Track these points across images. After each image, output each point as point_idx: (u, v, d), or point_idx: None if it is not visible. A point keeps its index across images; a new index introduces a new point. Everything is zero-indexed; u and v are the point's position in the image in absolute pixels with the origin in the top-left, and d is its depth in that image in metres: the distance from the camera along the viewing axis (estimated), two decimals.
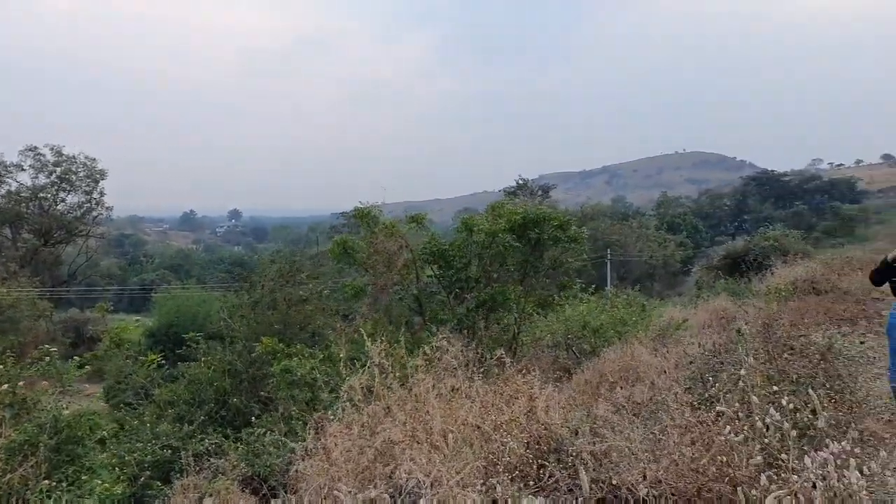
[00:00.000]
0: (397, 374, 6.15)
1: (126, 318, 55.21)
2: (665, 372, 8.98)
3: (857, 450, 3.86)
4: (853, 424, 4.96)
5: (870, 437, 5.59)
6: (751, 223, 74.43)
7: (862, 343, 10.41)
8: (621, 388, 9.05)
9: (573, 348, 14.37)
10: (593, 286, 19.83)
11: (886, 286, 7.21)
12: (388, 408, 5.73)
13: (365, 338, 6.38)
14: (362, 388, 5.97)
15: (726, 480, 4.33)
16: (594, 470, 4.66)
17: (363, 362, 6.22)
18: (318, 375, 9.72)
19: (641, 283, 48.21)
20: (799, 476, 3.77)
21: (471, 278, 13.85)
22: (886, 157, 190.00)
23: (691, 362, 8.67)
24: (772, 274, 19.08)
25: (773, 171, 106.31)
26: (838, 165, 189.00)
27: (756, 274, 22.16)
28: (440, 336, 6.40)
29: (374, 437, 5.27)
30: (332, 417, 5.92)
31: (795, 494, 3.81)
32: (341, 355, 7.06)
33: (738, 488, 3.92)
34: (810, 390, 4.84)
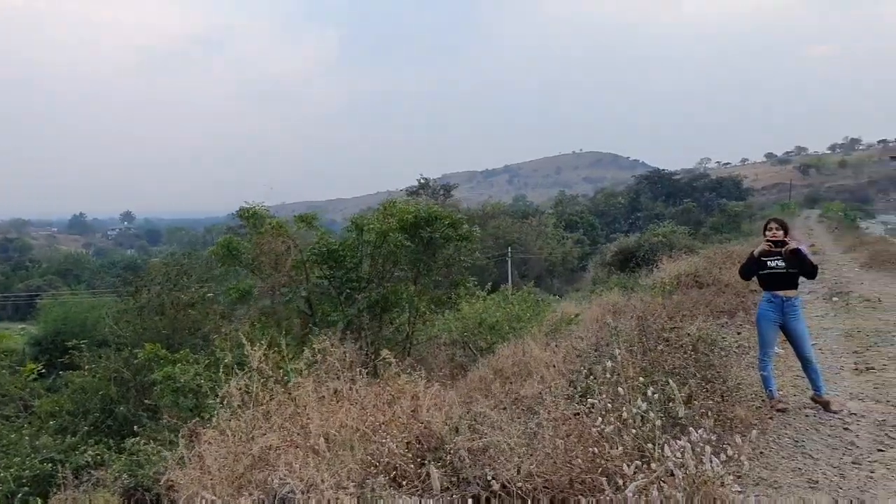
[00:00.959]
0: (279, 377, 6.02)
1: (10, 326, 52.45)
2: (554, 366, 9.15)
3: (713, 437, 4.01)
4: (710, 413, 5.16)
5: (738, 424, 5.83)
6: (644, 220, 76.95)
7: (739, 334, 10.90)
8: (512, 383, 9.16)
9: (470, 346, 14.49)
10: (489, 284, 20.09)
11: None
12: (267, 413, 5.59)
13: (245, 342, 6.22)
14: (241, 393, 5.81)
15: (599, 471, 4.43)
16: (470, 466, 4.67)
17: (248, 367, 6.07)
18: (203, 382, 9.44)
19: (542, 280, 49.17)
20: (658, 465, 3.89)
21: (362, 278, 13.67)
22: (769, 155, 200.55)
23: (578, 356, 8.86)
24: (658, 269, 19.75)
25: (664, 170, 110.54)
26: (725, 164, 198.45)
27: (645, 269, 22.91)
28: (322, 338, 6.31)
29: (251, 443, 5.14)
30: (209, 424, 5.74)
31: (659, 482, 3.93)
32: (226, 360, 6.85)
33: (604, 478, 4.00)
34: (670, 381, 5.01)
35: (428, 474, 4.73)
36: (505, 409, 6.80)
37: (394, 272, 14.38)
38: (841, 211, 70.53)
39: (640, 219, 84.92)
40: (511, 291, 23.34)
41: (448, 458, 4.87)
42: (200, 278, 23.46)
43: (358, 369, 6.38)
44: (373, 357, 7.07)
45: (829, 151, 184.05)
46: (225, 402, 5.82)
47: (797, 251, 7.21)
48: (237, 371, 6.06)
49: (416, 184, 69.36)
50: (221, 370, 6.36)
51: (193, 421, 5.94)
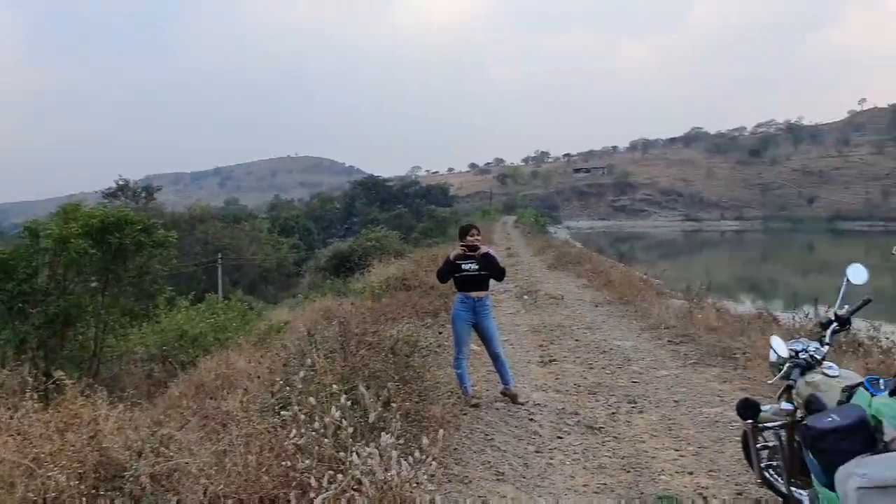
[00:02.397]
0: None
1: None
2: (258, 377, 8.85)
3: (401, 441, 4.05)
4: (409, 414, 5.25)
5: (434, 423, 5.98)
6: (359, 225, 78.33)
7: (440, 334, 11.35)
8: (213, 398, 8.72)
9: (170, 360, 13.64)
10: (193, 293, 19.10)
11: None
12: None
13: None
14: None
15: (293, 485, 4.28)
16: (153, 493, 4.29)
17: None
18: None
19: (256, 287, 47.97)
20: (345, 475, 3.83)
21: (37, 290, 12.19)
22: (472, 165, 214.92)
23: (284, 365, 8.65)
24: (369, 272, 20.14)
25: (378, 176, 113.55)
26: (434, 172, 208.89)
27: (359, 273, 23.25)
28: None
29: None
30: None
31: (350, 491, 3.88)
32: None
33: (294, 492, 3.87)
34: (360, 386, 5.01)
35: None
36: (204, 425, 6.42)
37: (78, 283, 13.02)
38: (533, 217, 77.48)
39: (355, 223, 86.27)
40: (220, 300, 22.47)
41: (128, 486, 4.43)
42: None
43: (28, 393, 5.64)
44: (45, 379, 6.27)
45: (523, 163, 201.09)
46: None
47: (488, 255, 7.65)
48: None
49: (114, 185, 64.28)
50: None
51: None
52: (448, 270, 7.73)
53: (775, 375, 3.89)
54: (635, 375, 8.70)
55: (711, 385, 8.13)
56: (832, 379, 3.54)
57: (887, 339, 9.26)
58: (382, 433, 4.22)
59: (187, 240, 42.26)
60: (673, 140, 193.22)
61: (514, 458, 5.88)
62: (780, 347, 3.79)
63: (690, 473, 5.41)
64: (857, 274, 3.96)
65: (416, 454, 4.02)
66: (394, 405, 5.50)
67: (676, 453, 5.89)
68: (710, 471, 5.44)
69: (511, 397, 7.54)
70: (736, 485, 5.13)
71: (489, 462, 5.76)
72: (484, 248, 7.69)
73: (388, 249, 28.26)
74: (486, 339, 7.63)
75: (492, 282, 7.76)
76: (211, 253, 44.47)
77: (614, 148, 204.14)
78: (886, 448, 2.74)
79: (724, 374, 8.57)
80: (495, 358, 7.62)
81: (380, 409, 5.20)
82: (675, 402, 7.49)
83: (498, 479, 5.37)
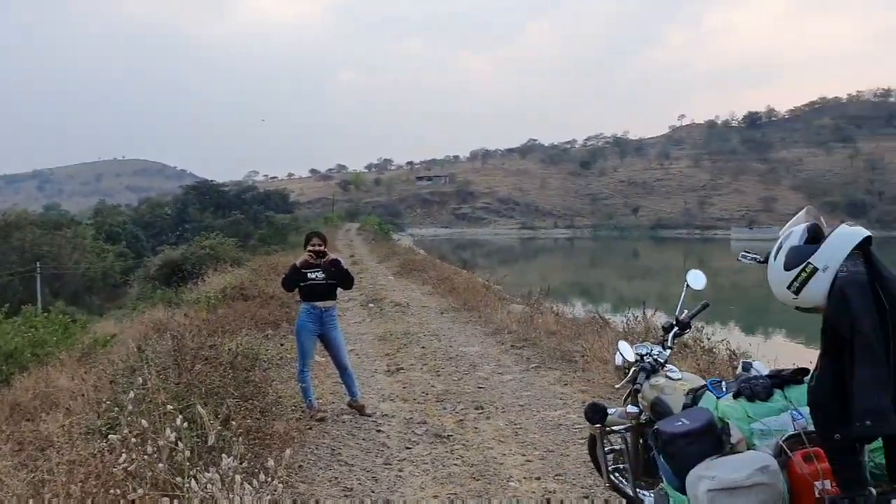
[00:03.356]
0: None
1: None
2: (83, 395, 8.20)
3: (244, 464, 3.79)
4: (249, 433, 4.97)
5: (277, 441, 5.71)
6: (192, 231, 74.89)
7: (282, 345, 10.99)
8: (31, 420, 8.00)
9: None
10: (7, 305, 17.58)
11: None
12: None
13: None
14: None
15: None
16: None
17: None
18: None
19: (79, 298, 44.84)
20: (182, 502, 3.53)
21: None
22: (314, 171, 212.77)
23: (112, 382, 8.03)
24: (204, 282, 19.32)
25: (212, 181, 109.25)
26: (273, 178, 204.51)
27: (192, 282, 22.23)
28: None
29: None
30: None
31: None
32: None
33: None
34: (198, 405, 4.69)
35: None
36: (20, 451, 5.81)
37: None
38: (377, 224, 77.54)
39: (188, 230, 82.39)
40: (39, 312, 20.78)
41: None
42: None
43: None
44: None
45: (366, 170, 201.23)
46: None
47: (336, 262, 7.46)
48: None
49: None
50: None
51: None
52: (293, 279, 7.45)
53: (622, 379, 3.96)
54: (481, 381, 8.76)
55: (553, 388, 8.31)
56: (675, 382, 3.63)
57: (708, 339, 9.82)
58: (223, 455, 3.93)
59: (1, 248, 38.94)
60: (511, 151, 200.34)
61: (362, 472, 5.71)
62: (626, 352, 3.86)
63: (538, 478, 5.45)
64: (696, 280, 4.10)
65: (261, 476, 3.76)
66: (234, 423, 5.17)
67: (524, 458, 5.93)
68: (557, 475, 5.51)
69: (358, 409, 7.36)
70: (582, 488, 5.21)
71: (337, 478, 5.56)
72: (332, 256, 7.50)
73: (224, 257, 27.26)
74: (333, 351, 7.42)
75: (338, 290, 7.57)
76: (28, 262, 41.13)
77: (456, 157, 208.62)
78: (733, 450, 2.82)
79: (564, 377, 8.80)
80: (342, 369, 7.42)
81: (219, 428, 4.87)
82: (521, 406, 7.58)
83: (346, 496, 5.19)
